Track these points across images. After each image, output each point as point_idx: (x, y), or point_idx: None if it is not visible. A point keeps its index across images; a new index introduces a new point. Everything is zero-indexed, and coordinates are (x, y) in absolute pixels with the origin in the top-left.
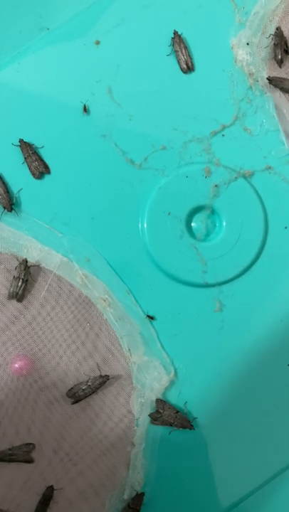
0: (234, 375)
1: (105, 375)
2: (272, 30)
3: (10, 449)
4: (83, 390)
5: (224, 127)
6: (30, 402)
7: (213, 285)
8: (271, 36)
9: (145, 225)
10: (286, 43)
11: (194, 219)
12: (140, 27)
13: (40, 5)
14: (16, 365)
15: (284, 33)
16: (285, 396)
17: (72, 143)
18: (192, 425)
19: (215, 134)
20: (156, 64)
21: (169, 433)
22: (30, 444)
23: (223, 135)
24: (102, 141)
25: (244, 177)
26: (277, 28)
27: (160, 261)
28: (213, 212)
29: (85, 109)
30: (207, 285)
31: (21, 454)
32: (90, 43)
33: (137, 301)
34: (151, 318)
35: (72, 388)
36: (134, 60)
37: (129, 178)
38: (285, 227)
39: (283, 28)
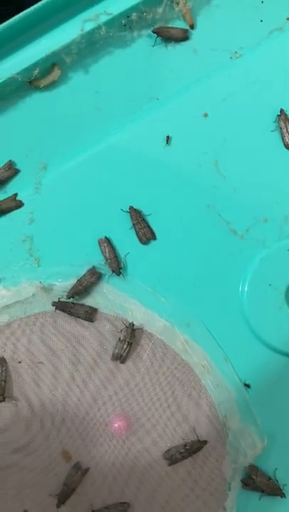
0: None
1: (204, 440)
2: None
3: (106, 508)
4: (181, 453)
5: None
6: (128, 462)
7: None
8: None
9: (245, 295)
10: None
11: None
12: (246, 102)
13: (151, 76)
14: (116, 425)
15: None
16: None
17: (178, 211)
18: (283, 493)
19: None
20: (260, 139)
21: (259, 499)
22: (124, 503)
23: None
24: (207, 210)
25: None
26: None
27: (258, 330)
28: None
29: (168, 141)
30: None
31: None
32: (198, 115)
33: (234, 368)
34: (247, 386)
35: (169, 450)
36: (240, 133)
37: (231, 248)
38: None
39: None
